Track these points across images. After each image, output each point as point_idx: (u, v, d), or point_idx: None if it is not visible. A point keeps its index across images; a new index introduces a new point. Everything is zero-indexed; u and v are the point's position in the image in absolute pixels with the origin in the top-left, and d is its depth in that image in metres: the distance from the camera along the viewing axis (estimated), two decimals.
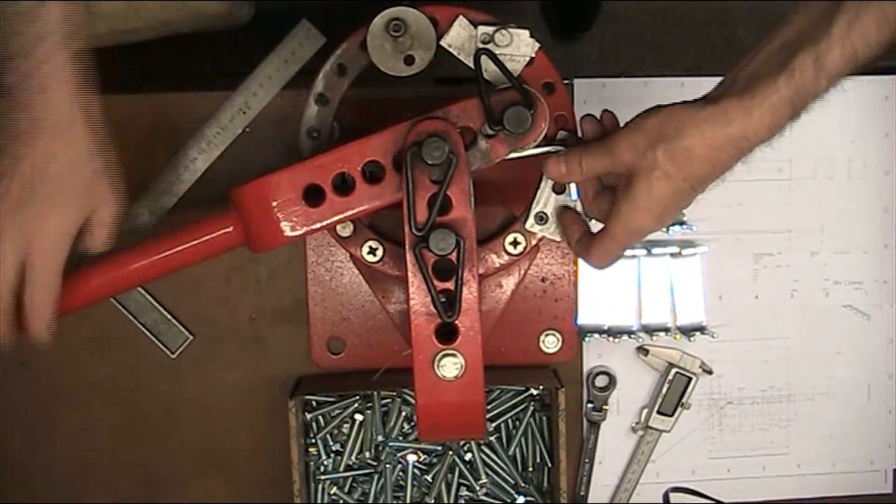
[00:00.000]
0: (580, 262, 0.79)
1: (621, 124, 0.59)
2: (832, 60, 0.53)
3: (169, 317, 0.78)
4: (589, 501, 0.82)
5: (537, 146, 0.63)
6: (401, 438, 0.79)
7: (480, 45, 0.63)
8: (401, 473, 0.79)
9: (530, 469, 0.80)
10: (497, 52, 0.63)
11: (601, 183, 0.63)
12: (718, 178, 0.56)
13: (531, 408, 0.79)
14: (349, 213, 0.61)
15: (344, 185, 0.62)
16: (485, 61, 0.62)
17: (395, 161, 0.61)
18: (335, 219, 0.61)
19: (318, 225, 0.61)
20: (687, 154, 0.55)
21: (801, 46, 0.52)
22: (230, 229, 0.63)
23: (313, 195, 0.61)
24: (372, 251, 0.68)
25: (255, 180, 0.61)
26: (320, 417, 0.78)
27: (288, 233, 0.61)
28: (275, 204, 0.61)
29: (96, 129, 0.60)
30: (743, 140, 0.54)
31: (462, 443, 0.79)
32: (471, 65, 0.63)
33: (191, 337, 0.78)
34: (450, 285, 0.61)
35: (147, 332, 0.78)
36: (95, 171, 0.58)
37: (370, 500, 0.79)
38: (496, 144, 0.62)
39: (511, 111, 0.60)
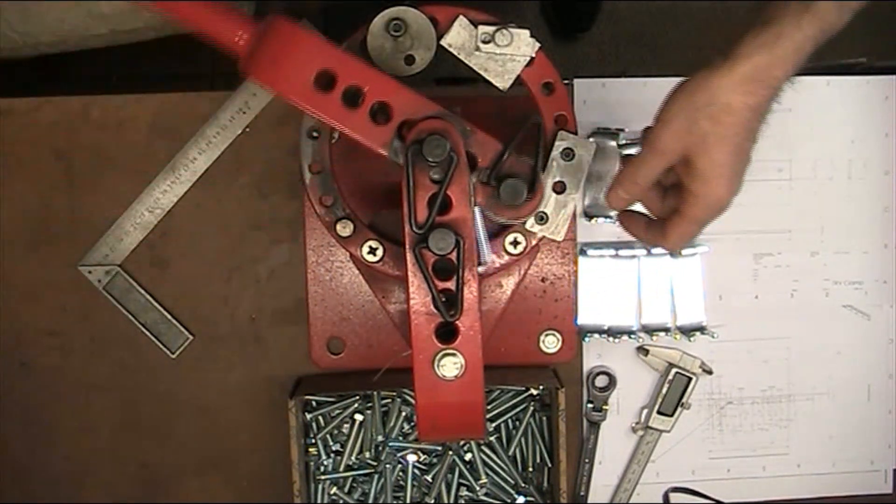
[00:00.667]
0: (580, 261, 0.79)
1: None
2: None
3: (169, 317, 0.78)
4: (589, 501, 0.82)
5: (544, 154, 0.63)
6: (401, 438, 0.79)
7: (480, 46, 0.63)
8: (401, 473, 0.79)
9: (530, 469, 0.80)
10: (497, 51, 0.63)
11: (662, 187, 0.63)
12: (761, 122, 0.58)
13: (531, 408, 0.79)
14: (336, 122, 0.59)
15: (352, 100, 0.60)
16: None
17: (401, 125, 0.61)
18: (323, 115, 0.59)
19: (307, 105, 0.59)
20: (728, 109, 0.56)
21: None
22: (245, 36, 0.60)
23: (325, 82, 0.60)
24: (372, 251, 0.68)
25: (300, 27, 0.59)
26: (320, 417, 0.78)
27: (281, 87, 0.59)
28: (294, 55, 0.59)
29: None
30: (771, 79, 0.55)
31: (462, 443, 0.79)
32: (471, 65, 0.63)
33: (191, 337, 0.78)
34: (450, 285, 0.61)
35: (147, 332, 0.78)
36: None
37: (370, 500, 0.79)
38: (479, 191, 0.62)
39: (513, 182, 0.61)
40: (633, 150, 0.79)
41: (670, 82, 0.79)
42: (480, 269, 0.66)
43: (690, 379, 0.80)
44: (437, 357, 0.61)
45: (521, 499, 0.79)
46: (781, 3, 0.55)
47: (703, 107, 0.56)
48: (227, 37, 0.60)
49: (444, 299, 0.61)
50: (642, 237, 0.65)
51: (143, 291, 0.78)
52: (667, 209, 0.63)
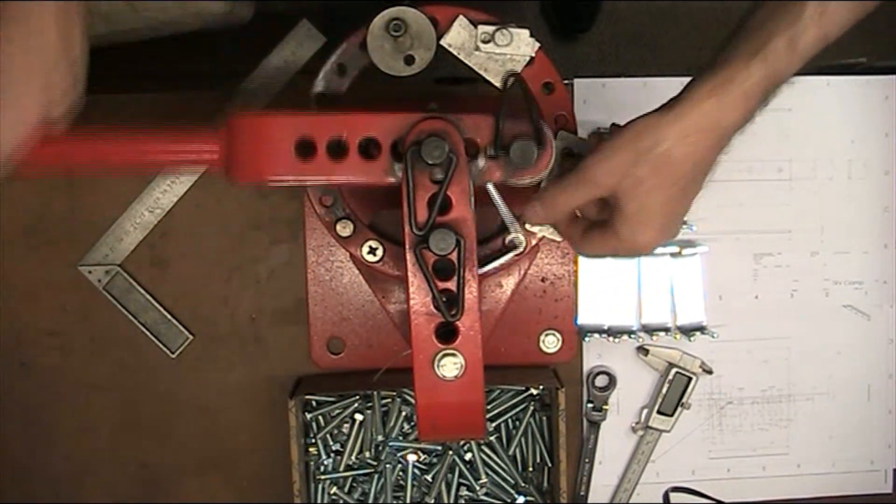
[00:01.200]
0: (580, 261, 0.79)
1: (623, 123, 0.59)
2: (805, 43, 0.53)
3: (169, 316, 0.78)
4: (589, 501, 0.82)
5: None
6: (401, 438, 0.79)
7: (480, 46, 0.63)
8: (401, 473, 0.79)
9: (530, 469, 0.80)
10: (497, 51, 0.63)
11: (584, 220, 0.62)
12: (705, 175, 0.57)
13: (531, 408, 0.79)
14: (334, 178, 0.60)
15: (338, 151, 0.61)
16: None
17: (394, 146, 0.61)
18: (318, 179, 0.60)
19: (300, 178, 0.60)
20: (668, 159, 0.54)
21: (774, 32, 0.53)
22: (215, 149, 0.60)
23: (305, 149, 0.60)
24: (372, 251, 0.68)
25: (256, 114, 0.60)
26: (320, 417, 0.78)
27: (268, 175, 0.60)
28: (267, 143, 0.60)
29: (70, 17, 0.55)
30: (718, 129, 0.54)
31: (462, 443, 0.79)
32: (471, 65, 0.63)
33: (191, 337, 0.78)
34: (450, 285, 0.61)
35: (147, 332, 0.78)
36: (57, 61, 0.55)
37: (370, 500, 0.79)
38: (493, 168, 0.61)
39: (519, 144, 0.60)
40: None
41: (670, 82, 0.80)
42: (507, 256, 0.67)
43: (690, 379, 0.80)
44: (437, 357, 0.61)
45: (521, 499, 0.79)
46: (731, 48, 0.54)
47: (644, 151, 0.54)
48: (200, 159, 0.61)
49: (444, 299, 0.61)
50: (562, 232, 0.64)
51: (143, 291, 0.78)
52: (587, 247, 0.62)
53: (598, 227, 0.60)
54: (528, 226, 0.66)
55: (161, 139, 0.61)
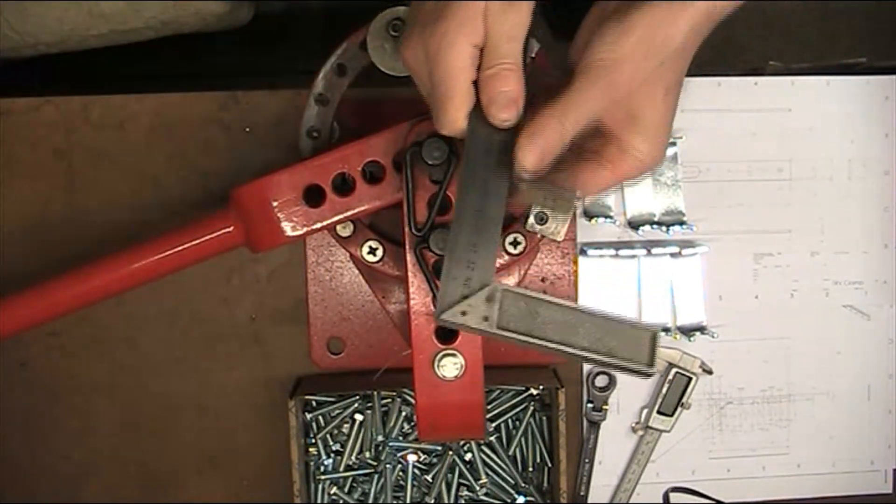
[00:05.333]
0: (580, 261, 0.79)
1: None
2: None
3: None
4: (589, 501, 0.82)
5: None
6: (401, 438, 0.79)
7: None
8: (401, 473, 0.79)
9: (530, 469, 0.80)
10: None
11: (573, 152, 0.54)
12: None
13: (531, 408, 0.79)
14: (349, 213, 0.61)
15: (344, 186, 0.62)
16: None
17: (396, 161, 0.61)
18: (335, 219, 0.62)
19: (319, 225, 0.61)
20: (683, 53, 0.49)
21: None
22: (230, 229, 0.63)
23: (314, 195, 0.61)
24: (372, 251, 0.68)
25: (255, 180, 0.61)
26: (320, 417, 0.78)
27: (289, 233, 0.61)
28: (275, 204, 0.61)
29: None
30: (717, 18, 0.50)
31: (462, 443, 0.79)
32: None
33: None
34: None
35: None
36: None
37: (370, 500, 0.79)
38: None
39: None
40: None
41: None
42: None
43: (690, 379, 0.80)
44: (437, 357, 0.61)
45: (521, 499, 0.79)
46: None
47: (661, 47, 0.49)
48: (221, 242, 0.63)
49: None
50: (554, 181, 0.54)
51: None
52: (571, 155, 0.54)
53: (596, 154, 0.53)
54: (527, 225, 0.66)
55: (179, 238, 0.64)
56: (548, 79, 0.53)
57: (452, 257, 0.52)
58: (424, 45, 0.51)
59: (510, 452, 0.79)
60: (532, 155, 0.50)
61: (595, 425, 0.81)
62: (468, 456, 0.79)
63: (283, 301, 0.79)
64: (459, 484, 0.79)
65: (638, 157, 0.52)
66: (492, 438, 0.79)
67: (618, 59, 0.49)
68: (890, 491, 0.84)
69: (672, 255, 0.80)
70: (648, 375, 0.53)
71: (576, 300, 0.79)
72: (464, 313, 0.51)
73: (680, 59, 0.51)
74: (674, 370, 0.80)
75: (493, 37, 0.50)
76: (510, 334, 0.51)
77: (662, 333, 0.80)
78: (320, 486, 0.79)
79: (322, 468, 0.79)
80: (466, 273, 0.52)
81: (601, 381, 0.81)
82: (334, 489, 0.79)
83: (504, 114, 0.51)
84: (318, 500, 0.78)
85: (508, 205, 0.53)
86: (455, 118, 0.52)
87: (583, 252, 0.79)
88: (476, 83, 0.51)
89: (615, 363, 0.52)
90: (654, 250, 0.80)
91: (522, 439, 0.79)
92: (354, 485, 0.79)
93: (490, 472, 0.79)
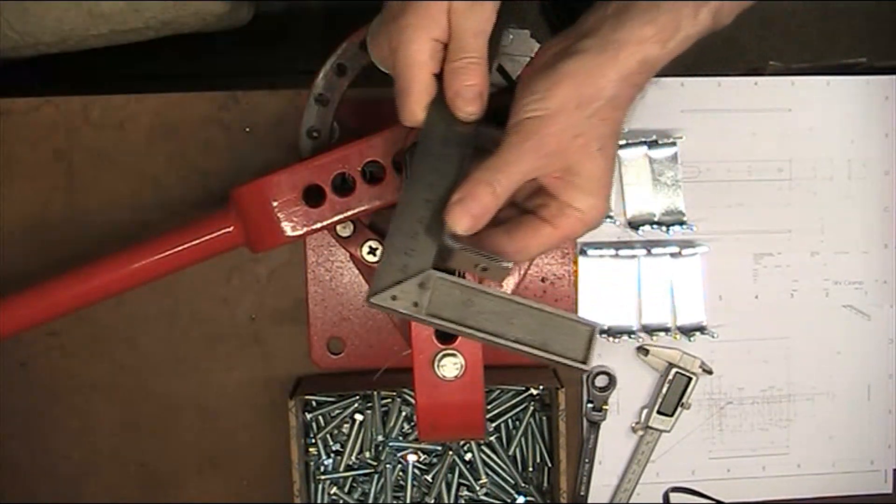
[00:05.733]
0: (580, 261, 0.79)
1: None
2: None
3: None
4: (589, 501, 0.82)
5: None
6: (401, 438, 0.79)
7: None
8: (401, 473, 0.79)
9: (530, 469, 0.80)
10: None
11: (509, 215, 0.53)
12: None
13: (531, 408, 0.79)
14: (349, 213, 0.61)
15: (344, 186, 0.62)
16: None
17: (395, 161, 0.61)
18: (335, 219, 0.62)
19: (319, 225, 0.61)
20: (617, 104, 0.49)
21: None
22: (231, 229, 0.63)
23: (313, 195, 0.61)
24: (372, 251, 0.68)
25: (255, 180, 0.61)
26: (320, 417, 0.78)
27: (289, 233, 0.61)
28: (275, 204, 0.61)
29: None
30: (653, 69, 0.49)
31: (462, 443, 0.79)
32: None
33: None
34: None
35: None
36: None
37: (370, 500, 0.79)
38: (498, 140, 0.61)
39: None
40: (633, 151, 0.79)
41: (670, 82, 0.80)
42: None
43: (690, 379, 0.80)
44: (437, 357, 0.61)
45: (521, 499, 0.79)
46: None
47: (590, 101, 0.48)
48: (221, 242, 0.63)
49: None
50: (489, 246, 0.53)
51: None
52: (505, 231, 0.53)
53: (533, 216, 0.53)
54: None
55: (179, 238, 0.64)
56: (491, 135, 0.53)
57: (392, 243, 0.51)
58: (388, 39, 0.52)
59: (510, 452, 0.79)
60: (463, 220, 0.49)
61: (595, 425, 0.81)
62: (468, 456, 0.79)
63: (283, 301, 0.79)
64: (459, 484, 0.79)
65: (578, 216, 0.51)
66: (492, 438, 0.79)
67: (547, 115, 0.49)
68: (890, 491, 0.84)
69: (672, 255, 0.80)
70: (584, 371, 0.53)
71: (576, 300, 0.79)
72: (394, 298, 0.51)
73: (614, 110, 0.50)
74: (674, 370, 0.80)
75: (459, 32, 0.50)
76: (440, 322, 0.51)
77: (662, 333, 0.80)
78: (320, 486, 0.79)
79: (322, 468, 0.79)
80: (404, 259, 0.51)
81: (601, 381, 0.81)
82: (334, 489, 0.79)
83: (470, 107, 0.51)
84: (318, 500, 0.78)
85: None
86: (413, 110, 0.52)
87: (583, 252, 0.79)
88: (440, 77, 0.52)
89: (549, 357, 0.51)
90: (654, 250, 0.80)
91: (522, 439, 0.79)
92: (354, 485, 0.79)
93: (490, 472, 0.79)
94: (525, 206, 0.53)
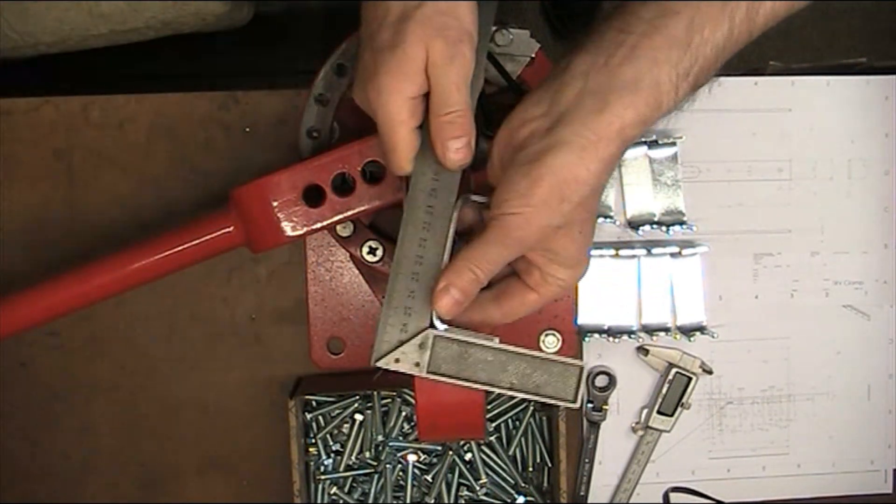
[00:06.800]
0: None
1: None
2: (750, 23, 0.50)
3: None
4: (589, 501, 0.82)
5: None
6: (401, 438, 0.79)
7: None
8: (401, 473, 0.79)
9: (530, 469, 0.80)
10: (497, 52, 0.63)
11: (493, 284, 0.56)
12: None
13: (531, 408, 0.79)
14: (349, 213, 0.61)
15: (344, 186, 0.62)
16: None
17: None
18: (335, 219, 0.62)
19: (319, 225, 0.61)
20: (595, 195, 0.51)
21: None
22: (230, 229, 0.63)
23: (313, 195, 0.61)
24: (372, 251, 0.68)
25: (255, 180, 0.61)
26: (320, 417, 0.78)
27: (289, 233, 0.61)
28: (275, 204, 0.61)
29: None
30: (630, 142, 0.50)
31: (462, 443, 0.79)
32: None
33: None
34: None
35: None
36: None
37: (370, 500, 0.79)
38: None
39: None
40: (633, 150, 0.79)
41: None
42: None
43: (690, 379, 0.80)
44: None
45: (521, 499, 0.79)
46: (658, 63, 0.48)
47: (572, 195, 0.49)
48: (220, 242, 0.63)
49: None
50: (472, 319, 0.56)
51: None
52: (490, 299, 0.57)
53: (518, 283, 0.56)
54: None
55: (179, 238, 0.63)
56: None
57: (391, 304, 0.55)
58: (366, 98, 0.52)
59: (510, 452, 0.79)
60: (448, 306, 0.53)
61: (595, 425, 0.81)
62: (468, 456, 0.79)
63: (283, 301, 0.79)
64: (459, 484, 0.79)
65: (561, 283, 0.54)
66: (492, 438, 0.79)
67: (529, 212, 0.50)
68: (890, 491, 0.84)
69: (672, 255, 0.80)
70: (575, 409, 0.60)
71: (576, 300, 0.79)
72: (397, 360, 0.55)
73: (595, 196, 0.51)
74: (674, 370, 0.80)
75: (440, 87, 0.51)
76: (440, 378, 0.56)
77: (662, 333, 0.80)
78: (320, 486, 0.79)
79: (322, 468, 0.79)
80: (404, 319, 0.55)
81: (601, 381, 0.81)
82: (334, 489, 0.79)
83: (459, 158, 0.52)
84: (318, 500, 0.78)
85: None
86: (401, 166, 0.54)
87: None
88: (423, 125, 0.53)
89: (542, 400, 0.57)
90: (654, 250, 0.80)
91: (522, 439, 0.79)
92: (354, 485, 0.79)
93: (490, 472, 0.79)
94: (510, 266, 0.55)
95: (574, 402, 0.56)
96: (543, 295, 0.56)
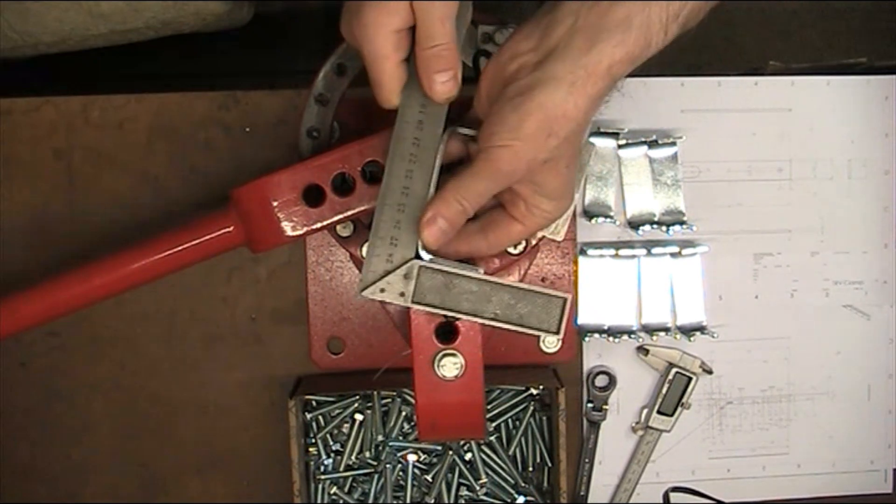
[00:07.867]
0: (580, 261, 0.79)
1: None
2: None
3: None
4: (589, 501, 0.82)
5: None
6: (401, 438, 0.79)
7: (480, 46, 0.63)
8: (401, 473, 0.79)
9: (530, 469, 0.80)
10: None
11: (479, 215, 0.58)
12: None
13: (531, 408, 0.79)
14: (349, 213, 0.61)
15: (344, 185, 0.62)
16: (483, 62, 0.61)
17: None
18: (335, 219, 0.62)
19: (319, 225, 0.61)
20: (581, 127, 0.51)
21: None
22: (231, 229, 0.63)
23: (313, 195, 0.61)
24: None
25: (255, 180, 0.61)
26: (320, 417, 0.78)
27: (289, 233, 0.61)
28: (275, 204, 0.61)
29: None
30: (618, 80, 0.50)
31: (462, 443, 0.79)
32: (470, 64, 0.63)
33: None
34: None
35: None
36: None
37: (370, 500, 0.79)
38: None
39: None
40: (633, 150, 0.79)
41: (670, 82, 0.80)
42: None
43: (690, 379, 0.80)
44: (437, 357, 0.61)
45: (521, 499, 0.79)
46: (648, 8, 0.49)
47: (560, 129, 0.50)
48: (221, 242, 0.63)
49: None
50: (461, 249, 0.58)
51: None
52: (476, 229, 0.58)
53: (504, 214, 0.57)
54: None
55: (179, 238, 0.64)
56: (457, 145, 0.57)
57: (377, 234, 0.55)
58: (351, 32, 0.53)
59: (510, 452, 0.79)
60: (435, 237, 0.54)
61: (595, 425, 0.81)
62: (468, 456, 0.79)
63: (283, 301, 0.79)
64: (459, 484, 0.79)
65: (546, 215, 0.56)
66: (492, 438, 0.79)
67: (517, 145, 0.50)
68: (890, 491, 0.84)
69: (672, 255, 0.80)
70: (558, 338, 0.64)
71: (576, 300, 0.79)
72: (382, 290, 0.56)
73: (582, 131, 0.52)
74: (674, 370, 0.80)
75: (425, 20, 0.51)
76: (425, 307, 0.56)
77: (662, 333, 0.80)
78: (320, 486, 0.79)
79: (322, 468, 0.79)
80: (389, 249, 0.56)
81: (601, 381, 0.81)
82: (334, 489, 0.79)
83: (445, 91, 0.53)
84: (318, 500, 0.78)
85: None
86: (387, 99, 0.54)
87: (583, 252, 0.79)
88: (410, 59, 0.53)
89: (525, 330, 0.57)
90: (654, 250, 0.80)
91: (522, 439, 0.79)
92: (354, 485, 0.79)
93: (490, 472, 0.79)
94: (496, 198, 0.57)
95: (557, 332, 0.57)
96: (528, 226, 0.57)
